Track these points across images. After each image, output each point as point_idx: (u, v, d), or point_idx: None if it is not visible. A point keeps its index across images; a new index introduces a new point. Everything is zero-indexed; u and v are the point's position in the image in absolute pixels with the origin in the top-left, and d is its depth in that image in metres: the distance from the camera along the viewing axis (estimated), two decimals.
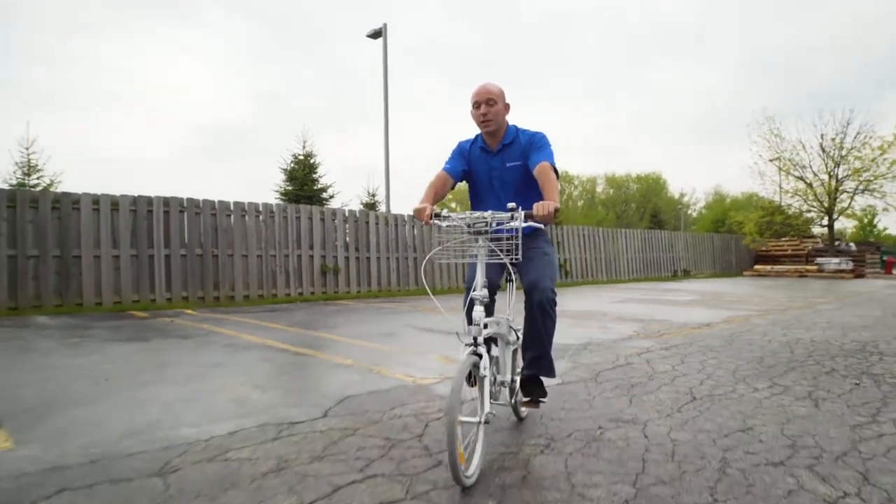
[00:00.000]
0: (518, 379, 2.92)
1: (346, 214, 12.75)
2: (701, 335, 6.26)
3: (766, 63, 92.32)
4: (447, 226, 2.53)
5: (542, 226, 2.61)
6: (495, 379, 2.61)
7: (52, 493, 2.11)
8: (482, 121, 2.87)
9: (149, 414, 3.14)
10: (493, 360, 2.59)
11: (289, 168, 16.49)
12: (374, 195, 17.75)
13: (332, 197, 16.71)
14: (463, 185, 3.16)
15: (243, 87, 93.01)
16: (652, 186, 61.44)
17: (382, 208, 16.64)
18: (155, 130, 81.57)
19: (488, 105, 2.84)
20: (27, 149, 12.75)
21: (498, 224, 2.46)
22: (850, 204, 25.01)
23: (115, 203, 9.65)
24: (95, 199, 9.46)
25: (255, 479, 2.26)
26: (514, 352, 2.95)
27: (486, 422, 2.28)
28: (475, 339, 2.36)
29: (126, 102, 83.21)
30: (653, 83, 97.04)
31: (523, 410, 3.07)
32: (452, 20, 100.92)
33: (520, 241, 2.44)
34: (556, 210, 2.40)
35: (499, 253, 2.46)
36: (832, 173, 24.60)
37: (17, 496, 2.08)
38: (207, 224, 10.63)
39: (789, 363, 4.65)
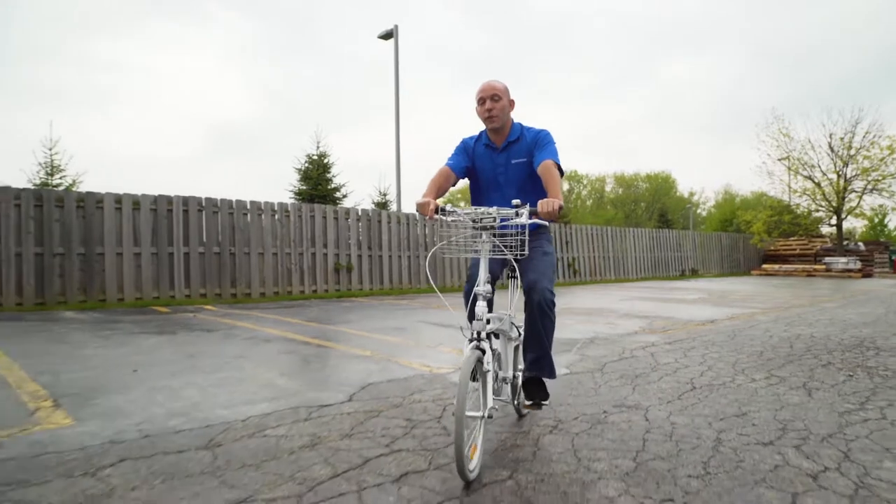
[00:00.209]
0: (520, 376, 2.95)
1: (360, 213, 13.04)
2: (704, 331, 6.47)
3: (779, 60, 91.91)
4: (452, 221, 2.55)
5: (545, 223, 2.65)
6: (497, 375, 2.63)
7: (115, 461, 2.38)
8: (487, 117, 2.88)
9: (186, 398, 3.41)
10: (496, 356, 2.60)
11: (303, 168, 16.81)
12: (385, 194, 18.06)
13: (345, 196, 17.04)
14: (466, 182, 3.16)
15: (249, 85, 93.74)
16: (661, 185, 61.40)
17: (394, 207, 16.92)
18: (163, 129, 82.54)
19: (493, 101, 2.85)
20: (50, 149, 13.14)
21: (503, 220, 2.48)
22: (858, 203, 25.05)
23: (136, 202, 9.98)
24: (118, 199, 9.79)
25: (292, 452, 2.51)
26: (516, 348, 3.00)
27: (490, 416, 2.31)
28: (478, 334, 2.37)
29: (126, 101, 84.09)
30: (664, 81, 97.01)
31: (525, 410, 3.09)
32: (460, 19, 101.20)
33: (526, 238, 2.50)
34: (560, 208, 2.42)
35: (503, 249, 2.49)
36: (840, 173, 24.66)
37: (86, 464, 2.35)
38: (225, 223, 10.94)
39: (788, 357, 4.86)
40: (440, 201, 2.68)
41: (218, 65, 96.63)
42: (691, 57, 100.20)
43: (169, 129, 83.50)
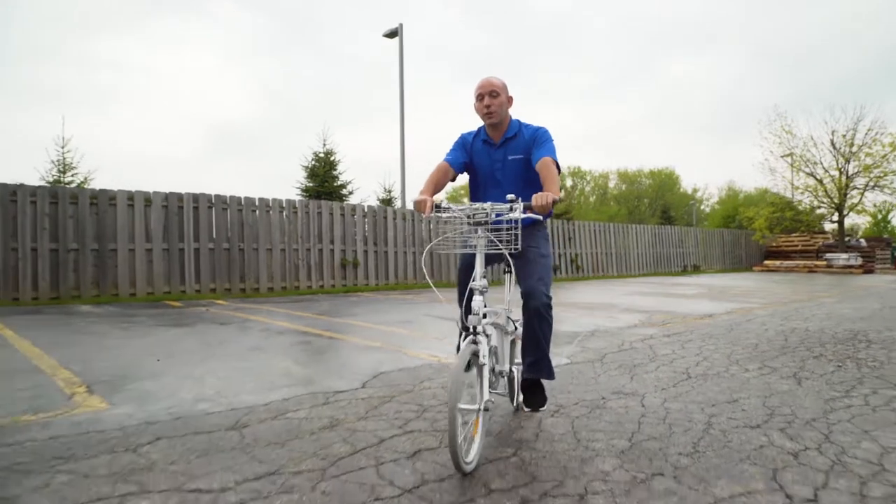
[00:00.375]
0: (515, 370, 2.98)
1: (365, 210, 13.26)
2: (703, 325, 6.66)
3: (779, 60, 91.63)
4: (447, 217, 2.58)
5: (540, 217, 2.64)
6: (493, 368, 2.61)
7: (151, 440, 2.60)
8: (485, 113, 2.89)
9: (210, 385, 3.63)
10: (492, 350, 2.58)
11: (310, 165, 17.03)
12: (390, 191, 18.29)
13: (351, 193, 17.27)
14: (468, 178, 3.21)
15: (249, 85, 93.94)
16: (665, 182, 61.44)
17: (398, 204, 17.14)
18: (163, 128, 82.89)
19: (491, 97, 2.86)
20: (62, 147, 13.38)
21: (497, 215, 2.51)
22: (860, 200, 25.17)
23: (148, 199, 10.21)
24: (130, 196, 10.02)
25: (313, 433, 2.73)
26: (513, 342, 3.04)
27: (486, 409, 2.32)
28: (475, 327, 2.38)
29: (126, 101, 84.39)
30: (668, 78, 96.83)
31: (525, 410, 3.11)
32: (460, 18, 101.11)
33: (519, 232, 2.53)
34: (555, 201, 2.43)
35: (497, 244, 2.52)
36: (843, 169, 24.78)
37: (126, 441, 2.57)
38: (234, 219, 11.17)
39: (782, 349, 5.06)
40: (439, 196, 2.74)
41: (218, 64, 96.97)
42: (691, 57, 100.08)
43: (169, 129, 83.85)
